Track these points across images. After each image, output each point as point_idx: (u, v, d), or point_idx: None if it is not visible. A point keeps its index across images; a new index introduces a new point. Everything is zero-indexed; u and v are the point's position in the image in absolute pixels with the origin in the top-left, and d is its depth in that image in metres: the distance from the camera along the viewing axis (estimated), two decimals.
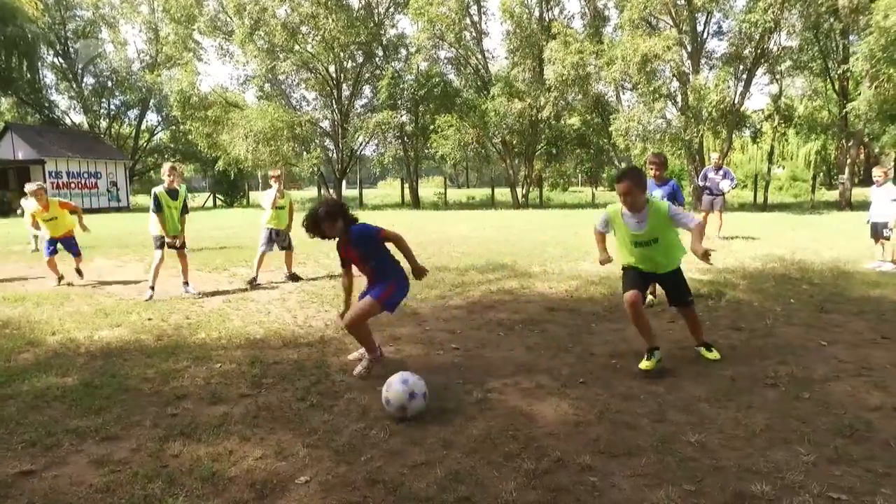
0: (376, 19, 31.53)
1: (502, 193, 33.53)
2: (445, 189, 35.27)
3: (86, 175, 32.17)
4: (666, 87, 24.46)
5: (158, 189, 7.10)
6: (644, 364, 4.07)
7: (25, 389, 3.87)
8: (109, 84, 40.21)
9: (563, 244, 11.57)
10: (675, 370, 4.15)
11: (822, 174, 42.15)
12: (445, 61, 32.01)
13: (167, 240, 7.08)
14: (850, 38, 24.02)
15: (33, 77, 36.60)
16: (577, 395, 3.70)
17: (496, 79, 29.56)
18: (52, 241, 8.11)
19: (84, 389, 3.85)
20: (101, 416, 3.41)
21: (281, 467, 2.71)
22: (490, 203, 31.65)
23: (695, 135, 23.74)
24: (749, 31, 23.94)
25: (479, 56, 31.50)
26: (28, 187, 8.00)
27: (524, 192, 30.32)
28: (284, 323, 5.72)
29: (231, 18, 31.97)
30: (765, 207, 25.37)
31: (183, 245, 7.25)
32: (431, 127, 28.53)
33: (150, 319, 5.87)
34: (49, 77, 39.68)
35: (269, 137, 28.64)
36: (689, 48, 25.50)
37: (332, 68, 31.66)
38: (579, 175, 48.15)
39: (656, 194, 6.14)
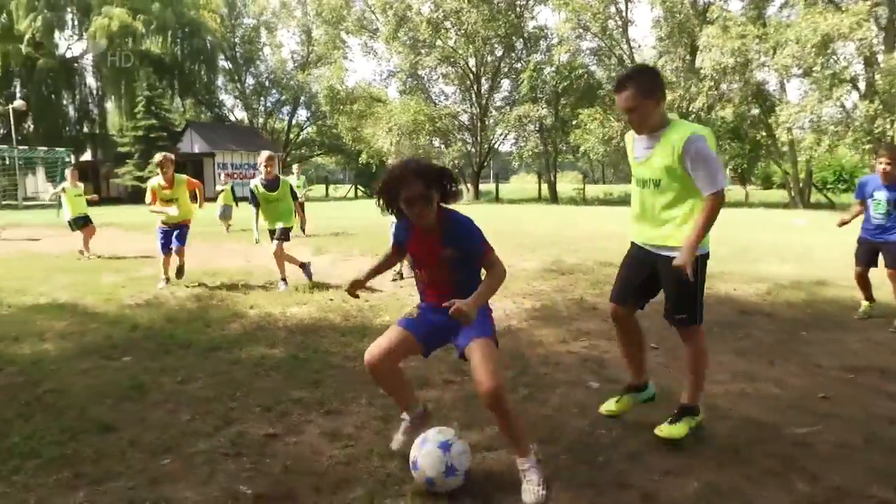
0: (517, 11, 31.28)
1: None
2: (584, 184, 34.27)
3: (247, 166, 35.35)
4: (848, 71, 21.58)
5: (254, 182, 6.49)
6: (606, 406, 3.02)
7: (244, 357, 4.13)
8: (267, 84, 43.86)
9: (728, 244, 10.58)
10: None
11: None
12: (588, 52, 31.06)
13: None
14: None
15: (210, 81, 40.89)
16: (824, 411, 3.20)
17: None
18: (167, 232, 6.74)
19: (294, 362, 4.02)
20: (319, 389, 3.51)
21: (513, 460, 2.57)
22: (629, 200, 30.19)
23: (888, 126, 20.62)
24: None
25: (625, 46, 30.13)
26: (156, 158, 6.79)
27: None
28: None
29: (377, 17, 33.40)
30: None
31: (284, 237, 6.52)
32: (574, 122, 27.78)
33: (331, 300, 6.10)
34: (219, 79, 44.08)
35: (411, 131, 29.56)
36: (882, 22, 22.23)
37: (472, 62, 31.95)
38: (728, 172, 44.56)
39: (880, 197, 5.13)
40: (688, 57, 26.80)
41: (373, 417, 3.10)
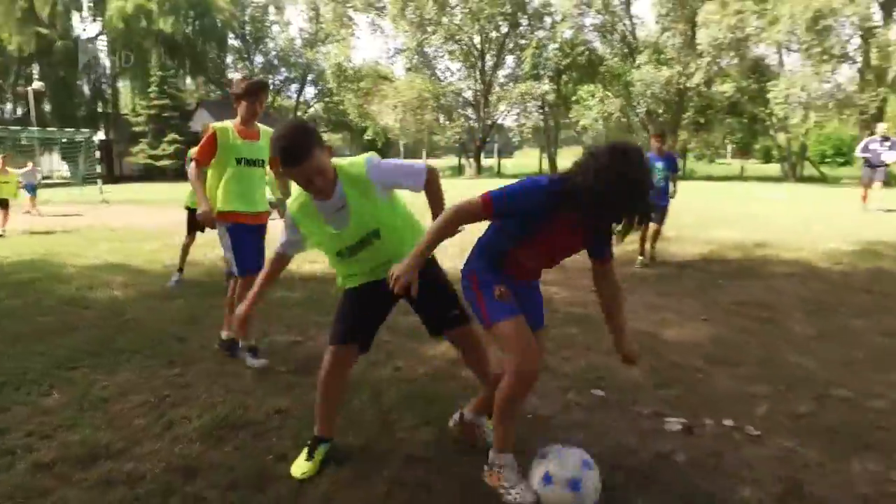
0: None
1: None
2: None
3: None
4: (841, 46, 22.19)
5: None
6: (297, 467, 2.36)
7: (271, 297, 5.30)
8: (275, 62, 44.64)
9: (695, 213, 11.66)
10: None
11: None
12: (591, 28, 31.59)
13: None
14: None
15: (220, 59, 41.75)
16: (701, 325, 4.34)
17: (644, 45, 28.66)
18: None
19: (310, 301, 5.20)
20: (332, 315, 4.68)
21: None
22: None
23: (873, 99, 21.35)
24: None
25: (627, 22, 30.66)
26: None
27: None
28: None
29: None
30: None
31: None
32: (574, 97, 28.55)
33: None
34: (228, 57, 44.90)
35: (416, 107, 30.46)
36: None
37: (476, 39, 32.60)
38: (727, 146, 45.03)
39: (658, 167, 6.62)
40: (688, 32, 27.36)
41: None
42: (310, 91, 46.66)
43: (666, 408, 3.00)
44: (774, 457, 2.51)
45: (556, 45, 30.18)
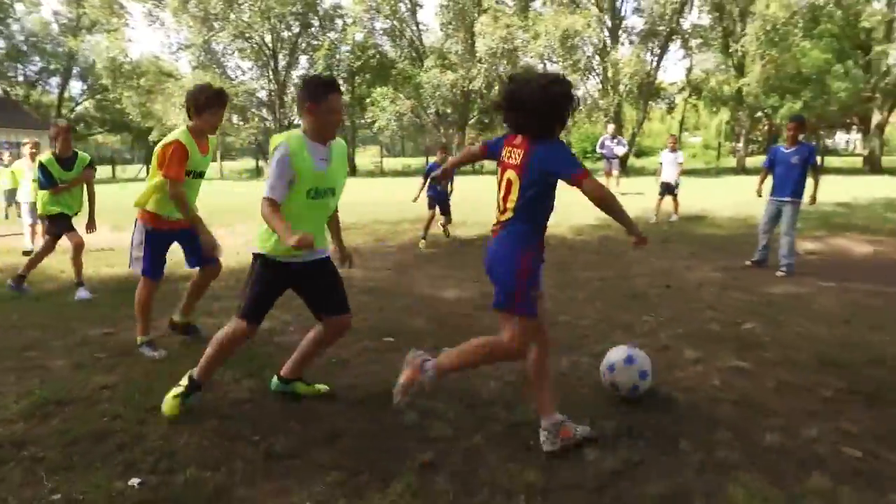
0: None
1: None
2: (382, 158, 36.47)
3: (6, 145, 31.24)
4: (587, 62, 26.58)
5: (45, 157, 5.24)
6: (168, 405, 2.81)
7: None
8: (24, 48, 38.49)
9: (478, 201, 13.36)
10: None
11: (731, 143, 45.98)
12: (381, 32, 32.93)
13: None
14: (747, 20, 26.69)
15: None
16: (591, 283, 5.42)
17: (430, 51, 30.81)
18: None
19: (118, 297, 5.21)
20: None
21: None
22: (423, 171, 33.13)
23: (612, 104, 25.94)
24: (662, 10, 26.24)
25: (414, 28, 32.60)
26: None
27: None
28: None
29: None
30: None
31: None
32: (368, 99, 29.61)
33: None
34: None
35: None
36: (609, 24, 27.62)
37: (268, 38, 31.94)
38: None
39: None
40: (469, 40, 30.09)
41: None
42: (76, 86, 41.21)
43: (442, 344, 3.89)
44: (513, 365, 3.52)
45: (348, 48, 30.96)
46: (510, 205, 2.42)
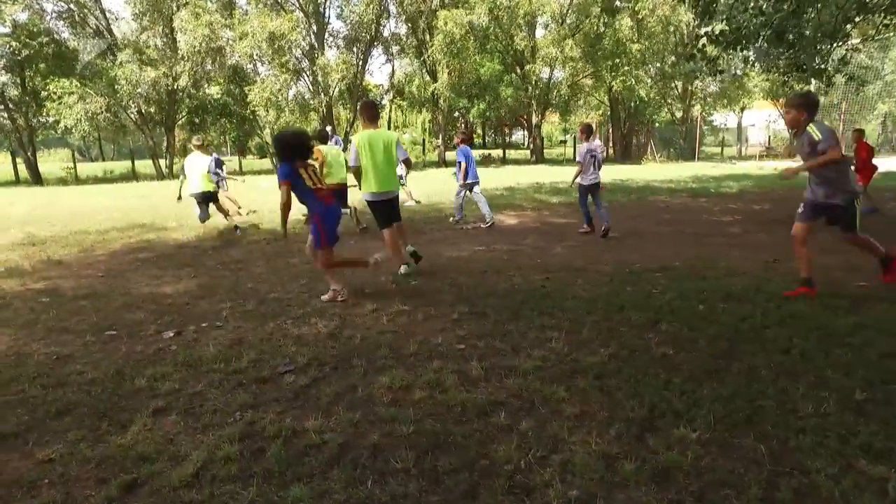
0: None
1: (145, 165, 32.03)
2: (75, 163, 31.80)
3: None
4: (296, 63, 27.33)
5: None
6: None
7: None
8: None
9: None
10: None
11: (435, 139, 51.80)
12: (54, 16, 28.43)
13: None
14: (434, 32, 30.53)
15: None
16: (199, 280, 5.85)
17: (123, 43, 27.89)
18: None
19: None
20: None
21: None
22: (132, 176, 30.04)
23: (322, 105, 27.21)
24: (361, 18, 28.37)
25: (99, 14, 29.02)
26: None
27: (168, 162, 29.77)
28: None
29: None
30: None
31: None
32: (44, 93, 25.49)
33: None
34: None
35: None
36: (315, 28, 28.76)
37: None
38: (228, 144, 48.35)
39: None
40: (169, 35, 28.04)
41: None
42: None
43: (164, 328, 4.37)
44: (229, 332, 4.22)
45: (7, 30, 26.00)
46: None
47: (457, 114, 40.20)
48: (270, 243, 8.13)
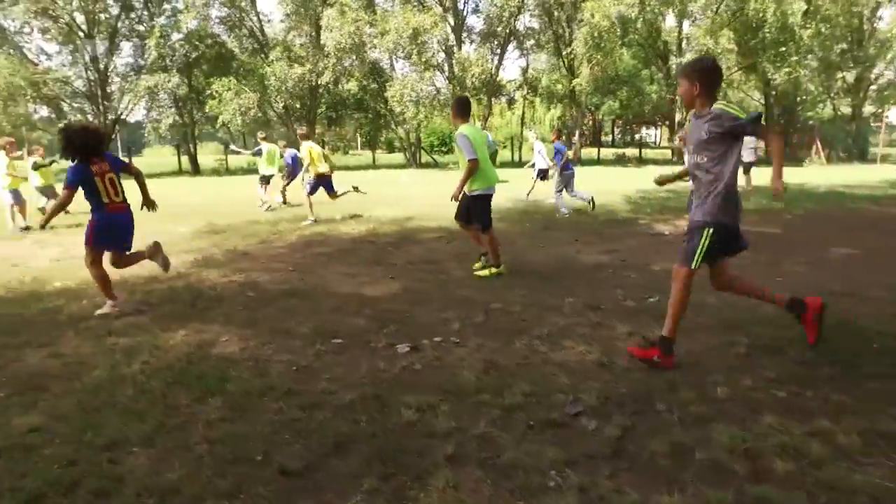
0: None
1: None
2: (227, 155, 34.17)
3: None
4: (435, 59, 27.27)
5: None
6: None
7: None
8: None
9: (352, 199, 13.22)
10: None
11: (564, 136, 50.28)
12: (217, 21, 30.64)
13: None
14: (574, 25, 29.20)
15: None
16: (401, 282, 5.41)
17: (273, 42, 29.41)
18: None
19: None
20: (17, 337, 4.10)
21: None
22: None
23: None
24: (499, 12, 27.77)
25: (255, 18, 30.84)
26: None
27: None
28: None
29: None
30: (520, 164, 29.96)
31: None
32: (208, 91, 27.42)
33: None
34: None
35: (5, 98, 24.73)
36: (452, 23, 28.55)
37: (79, 18, 28.07)
38: (359, 139, 49.97)
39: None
40: (313, 33, 29.16)
41: (89, 339, 3.96)
42: None
43: (392, 339, 3.87)
44: (473, 351, 3.63)
45: (181, 36, 28.37)
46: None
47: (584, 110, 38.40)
48: (451, 242, 7.62)
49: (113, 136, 31.11)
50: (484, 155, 5.54)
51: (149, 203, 4.95)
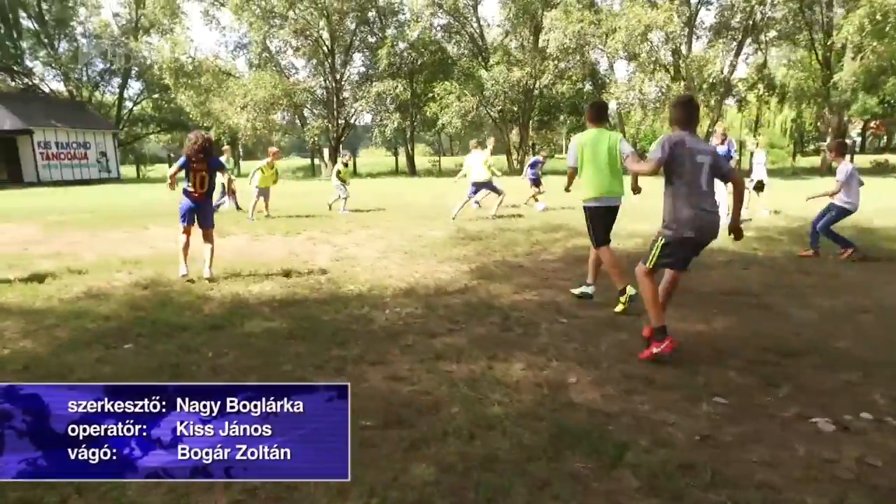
0: None
1: (497, 160, 34.16)
2: (440, 156, 35.79)
3: (75, 145, 31.54)
4: (664, 57, 25.35)
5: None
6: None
7: (252, 330, 4.48)
8: (87, 49, 38.94)
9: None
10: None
11: (795, 141, 43.99)
12: (439, 28, 32.15)
13: None
14: (835, 10, 25.03)
15: (14, 43, 35.30)
16: (729, 318, 4.54)
17: (493, 47, 29.92)
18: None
19: (303, 330, 4.47)
20: (349, 348, 4.06)
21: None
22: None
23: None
24: (739, 2, 24.85)
25: (475, 24, 31.74)
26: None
27: (519, 158, 31.04)
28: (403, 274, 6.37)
29: None
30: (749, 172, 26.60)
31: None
32: (430, 95, 28.83)
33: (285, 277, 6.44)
34: (24, 42, 38.22)
35: (268, 106, 28.60)
36: (681, 18, 26.31)
37: (325, 35, 31.46)
38: (564, 142, 49.07)
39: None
40: (531, 37, 29.08)
41: (417, 362, 3.77)
42: (135, 86, 41.50)
43: (798, 407, 3.04)
44: None
45: (407, 44, 30.27)
46: None
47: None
48: (747, 269, 6.47)
49: (343, 138, 34.36)
50: (597, 162, 4.92)
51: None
